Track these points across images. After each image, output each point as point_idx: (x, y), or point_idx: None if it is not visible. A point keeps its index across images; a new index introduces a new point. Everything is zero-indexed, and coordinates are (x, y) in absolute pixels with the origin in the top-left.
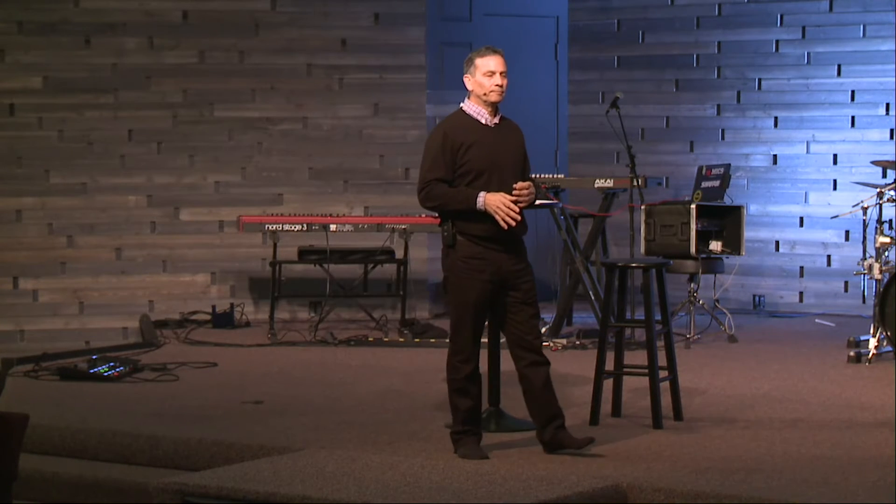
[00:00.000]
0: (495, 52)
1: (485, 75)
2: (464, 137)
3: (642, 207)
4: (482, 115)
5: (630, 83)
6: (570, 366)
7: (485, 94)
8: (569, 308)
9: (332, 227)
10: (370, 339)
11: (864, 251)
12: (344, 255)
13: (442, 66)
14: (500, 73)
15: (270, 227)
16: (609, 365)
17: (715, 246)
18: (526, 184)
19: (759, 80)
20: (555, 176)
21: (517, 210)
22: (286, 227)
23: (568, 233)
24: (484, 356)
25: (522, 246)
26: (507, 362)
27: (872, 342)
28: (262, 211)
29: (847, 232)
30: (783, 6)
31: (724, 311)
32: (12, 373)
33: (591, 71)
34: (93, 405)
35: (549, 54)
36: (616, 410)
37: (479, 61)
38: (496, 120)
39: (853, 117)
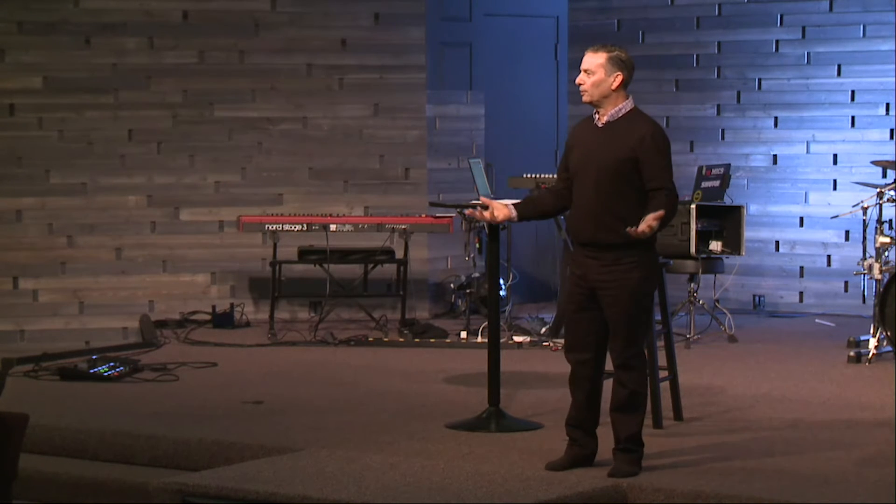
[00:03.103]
0: (589, 49)
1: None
2: (572, 140)
3: None
4: (596, 115)
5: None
6: None
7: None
8: None
9: (332, 227)
10: (370, 339)
11: (864, 251)
12: (344, 255)
13: (442, 66)
14: (584, 72)
15: (270, 227)
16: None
17: (715, 246)
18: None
19: (759, 80)
20: (555, 176)
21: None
22: (286, 227)
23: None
24: (484, 356)
25: (614, 255)
26: (506, 363)
27: (872, 342)
28: (262, 211)
29: (847, 232)
30: (783, 6)
31: (724, 311)
32: (12, 373)
33: None
34: (93, 405)
35: (549, 54)
36: None
37: None
38: (604, 120)
39: (853, 117)
